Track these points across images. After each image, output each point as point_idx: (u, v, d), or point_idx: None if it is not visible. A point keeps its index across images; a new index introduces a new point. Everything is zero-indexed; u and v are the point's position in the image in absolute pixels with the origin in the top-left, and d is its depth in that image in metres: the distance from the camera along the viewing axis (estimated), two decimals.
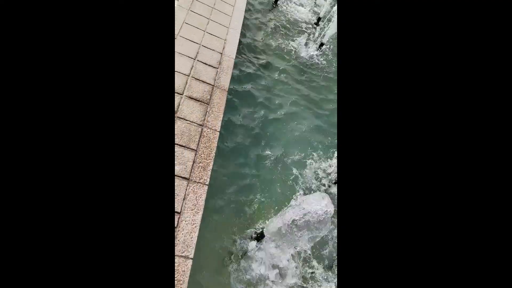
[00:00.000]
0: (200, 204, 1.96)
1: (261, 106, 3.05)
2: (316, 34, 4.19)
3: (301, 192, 2.62)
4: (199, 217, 1.89)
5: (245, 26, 3.69)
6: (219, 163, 2.44)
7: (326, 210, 2.02)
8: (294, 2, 4.57)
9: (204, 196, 2.00)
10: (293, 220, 2.09)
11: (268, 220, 2.18)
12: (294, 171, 2.72)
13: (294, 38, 4.02)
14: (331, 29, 3.90)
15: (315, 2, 4.78)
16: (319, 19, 4.49)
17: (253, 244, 2.24)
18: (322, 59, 3.99)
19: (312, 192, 2.67)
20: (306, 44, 4.04)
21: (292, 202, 2.14)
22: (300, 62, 3.78)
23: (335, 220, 2.32)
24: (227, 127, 2.71)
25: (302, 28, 4.28)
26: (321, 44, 4.02)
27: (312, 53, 3.94)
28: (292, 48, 3.86)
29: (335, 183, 2.82)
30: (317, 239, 2.03)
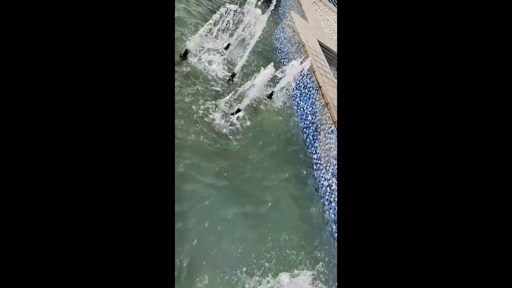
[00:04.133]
0: None
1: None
2: (229, 96, 3.58)
3: None
4: None
5: None
6: None
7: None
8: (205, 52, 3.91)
9: None
10: None
11: None
12: None
13: (206, 103, 3.35)
14: (252, 91, 3.36)
15: (226, 59, 4.21)
16: (233, 75, 3.94)
17: None
18: (240, 134, 3.41)
19: None
20: (220, 110, 3.42)
21: None
22: (216, 138, 3.12)
23: None
24: None
25: (215, 87, 3.65)
26: (238, 110, 3.45)
27: (227, 124, 3.33)
28: (205, 118, 3.18)
29: None
30: None
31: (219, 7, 4.09)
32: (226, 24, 4.17)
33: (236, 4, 3.77)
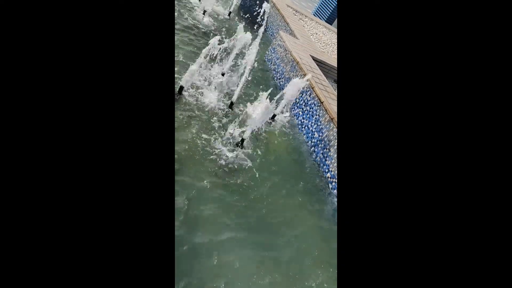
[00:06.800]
0: None
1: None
2: (231, 130, 3.45)
3: None
4: None
5: None
6: None
7: None
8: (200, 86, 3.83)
9: None
10: None
11: None
12: None
13: (208, 136, 3.23)
14: (252, 124, 3.23)
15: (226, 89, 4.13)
16: (231, 103, 3.84)
17: None
18: (247, 163, 3.26)
19: None
20: (223, 143, 3.28)
21: None
22: (223, 170, 2.97)
23: None
24: None
25: (215, 118, 3.54)
26: (242, 141, 3.31)
27: (231, 155, 3.18)
28: (208, 152, 3.04)
29: None
30: None
31: (210, 38, 4.06)
32: (218, 54, 4.11)
33: (225, 35, 3.72)
